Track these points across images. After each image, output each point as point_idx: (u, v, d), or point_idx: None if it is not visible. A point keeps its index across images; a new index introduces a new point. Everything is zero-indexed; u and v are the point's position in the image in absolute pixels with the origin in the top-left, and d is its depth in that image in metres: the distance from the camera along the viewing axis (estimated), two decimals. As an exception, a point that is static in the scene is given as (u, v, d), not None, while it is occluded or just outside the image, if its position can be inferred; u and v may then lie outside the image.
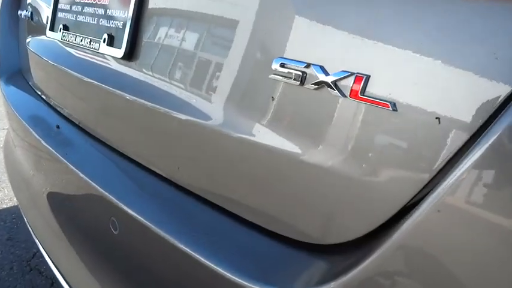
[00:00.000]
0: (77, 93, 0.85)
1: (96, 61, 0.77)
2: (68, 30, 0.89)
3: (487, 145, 0.28)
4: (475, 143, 0.30)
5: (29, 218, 1.12)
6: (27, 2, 1.26)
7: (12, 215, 2.18)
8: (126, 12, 0.68)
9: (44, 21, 1.05)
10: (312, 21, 0.43)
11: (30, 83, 1.17)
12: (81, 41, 0.82)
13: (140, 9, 0.66)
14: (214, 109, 0.53)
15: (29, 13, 1.16)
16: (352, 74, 0.38)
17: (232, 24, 0.51)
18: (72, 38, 0.86)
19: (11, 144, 1.30)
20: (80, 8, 0.85)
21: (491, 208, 0.29)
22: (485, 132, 0.29)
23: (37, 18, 1.12)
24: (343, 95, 0.39)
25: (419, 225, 0.31)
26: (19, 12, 1.30)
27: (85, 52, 0.81)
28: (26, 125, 0.89)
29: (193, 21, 0.57)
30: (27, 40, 1.21)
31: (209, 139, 0.54)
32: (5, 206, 2.23)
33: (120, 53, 0.68)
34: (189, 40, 0.57)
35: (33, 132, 0.89)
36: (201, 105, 0.55)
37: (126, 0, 0.69)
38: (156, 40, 0.64)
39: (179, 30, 0.59)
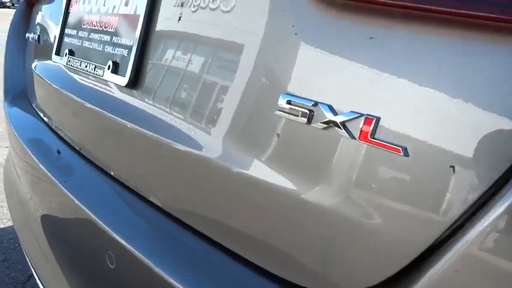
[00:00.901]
0: (79, 118, 0.84)
1: (99, 88, 0.77)
2: (73, 55, 0.89)
3: (508, 201, 0.26)
4: (494, 196, 0.28)
5: (23, 240, 1.09)
6: (34, 25, 1.27)
7: (10, 235, 2.15)
8: (132, 40, 0.68)
9: (50, 45, 1.06)
10: (322, 58, 0.42)
11: (33, 105, 1.16)
12: (86, 67, 0.81)
13: (146, 38, 0.65)
14: (215, 142, 0.52)
15: (36, 36, 1.16)
16: (361, 115, 0.37)
17: (238, 56, 0.50)
18: (77, 64, 0.85)
19: (10, 164, 1.29)
20: (86, 34, 0.85)
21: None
22: (506, 186, 0.27)
23: (44, 41, 1.13)
24: (352, 137, 0.37)
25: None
26: (27, 35, 1.31)
27: (89, 78, 0.81)
28: (26, 147, 0.88)
29: (199, 52, 0.56)
30: (33, 63, 1.22)
31: (210, 173, 0.52)
32: (3, 226, 2.20)
33: (124, 81, 0.67)
34: (194, 71, 0.56)
35: (32, 155, 0.87)
36: (202, 138, 0.54)
37: (132, 29, 0.68)
38: (160, 69, 0.63)
39: (184, 61, 0.58)
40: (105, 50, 0.76)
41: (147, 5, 0.65)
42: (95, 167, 0.76)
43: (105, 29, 0.78)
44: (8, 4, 28.72)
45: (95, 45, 0.80)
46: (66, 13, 0.95)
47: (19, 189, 1.00)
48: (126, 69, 0.67)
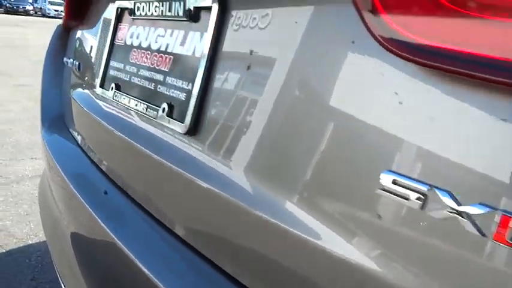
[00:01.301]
0: (127, 158, 0.80)
1: (151, 130, 0.73)
2: (120, 90, 0.86)
3: None
4: None
5: (62, 275, 1.06)
6: (74, 50, 1.25)
7: (38, 252, 2.14)
8: (191, 84, 0.64)
9: (93, 75, 1.03)
10: (440, 131, 0.36)
11: (72, 133, 1.14)
12: (136, 105, 0.78)
13: (207, 84, 0.61)
14: (292, 210, 0.47)
15: (77, 63, 1.14)
16: (496, 210, 0.31)
17: (327, 119, 0.45)
18: (125, 100, 0.82)
19: (47, 189, 1.26)
20: (135, 70, 0.82)
21: None
22: None
23: (84, 70, 1.10)
24: (483, 234, 0.32)
25: None
26: (65, 59, 1.29)
27: (140, 118, 0.78)
28: (71, 185, 0.85)
29: (277, 101, 0.51)
30: (72, 89, 1.20)
31: (284, 245, 0.48)
32: (30, 242, 2.20)
33: (182, 128, 0.63)
34: (271, 122, 0.51)
35: (77, 194, 0.84)
36: (277, 205, 0.49)
37: (191, 71, 0.65)
38: (224, 119, 0.59)
39: (255, 109, 0.54)
40: (158, 90, 0.73)
41: (210, 48, 0.61)
42: (147, 213, 0.72)
43: (157, 67, 0.75)
44: (31, 12, 29.46)
45: (146, 83, 0.77)
46: (112, 44, 0.93)
47: (59, 225, 0.97)
48: (184, 115, 0.64)
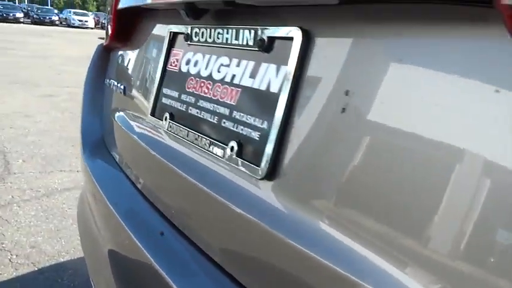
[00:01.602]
0: (185, 196, 0.74)
1: (215, 168, 0.67)
2: (176, 121, 0.80)
3: None
4: None
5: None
6: (116, 72, 1.21)
7: (69, 271, 2.10)
8: (268, 123, 0.57)
9: (142, 101, 0.98)
10: None
11: (118, 161, 1.09)
12: (196, 140, 0.72)
13: (289, 122, 0.55)
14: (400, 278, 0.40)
15: (122, 87, 1.10)
16: None
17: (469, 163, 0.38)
18: (183, 133, 0.76)
19: (87, 211, 1.22)
20: (193, 100, 0.76)
21: None
22: None
23: (131, 94, 1.05)
24: None
25: None
26: (107, 80, 1.25)
27: (200, 154, 0.71)
28: (123, 223, 0.79)
29: (383, 151, 0.44)
30: (115, 113, 1.15)
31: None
32: (62, 260, 2.17)
33: (257, 172, 0.57)
34: (373, 173, 0.44)
35: (130, 233, 0.78)
36: (381, 272, 0.42)
37: (267, 108, 0.58)
38: (309, 162, 0.52)
39: (349, 156, 0.47)
40: (223, 125, 0.67)
41: (292, 84, 0.54)
42: (208, 259, 0.66)
43: (221, 99, 0.68)
44: (56, 22, 30.27)
45: (207, 116, 0.71)
46: (164, 70, 0.87)
47: (104, 259, 0.91)
48: (260, 157, 0.57)
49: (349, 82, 0.48)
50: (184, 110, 0.78)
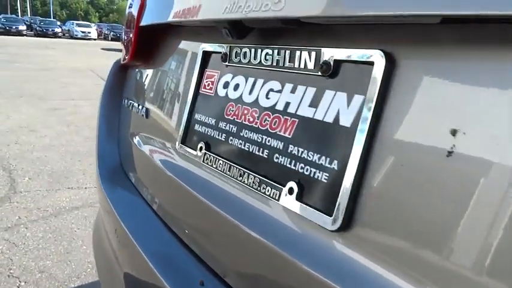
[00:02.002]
0: (228, 241, 0.64)
1: (269, 212, 0.57)
2: (213, 152, 0.71)
3: None
4: None
5: None
6: (135, 92, 1.12)
7: (81, 298, 2.01)
8: (340, 163, 0.48)
9: (168, 126, 0.89)
10: None
11: (139, 190, 1.00)
12: (241, 176, 0.63)
13: (368, 163, 0.45)
14: None
15: (144, 109, 1.01)
16: None
17: None
18: (224, 167, 0.67)
19: (105, 243, 1.12)
20: (235, 129, 0.67)
21: None
22: None
23: (155, 118, 0.96)
24: None
25: None
26: (125, 101, 1.16)
27: (247, 193, 0.62)
28: (156, 271, 0.69)
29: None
30: (136, 137, 1.06)
31: None
32: (73, 286, 2.06)
33: (329, 221, 0.47)
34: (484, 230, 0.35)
35: (160, 276, 0.69)
36: None
37: (337, 145, 0.49)
38: (396, 212, 0.42)
39: (454, 206, 0.37)
40: (277, 161, 0.57)
41: (372, 117, 0.45)
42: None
43: (272, 131, 0.59)
44: (59, 34, 30.48)
45: (255, 149, 0.62)
46: (196, 94, 0.78)
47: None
48: (332, 204, 0.47)
49: (456, 118, 0.39)
50: (223, 140, 0.69)
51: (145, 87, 1.05)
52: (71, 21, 34.03)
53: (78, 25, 31.83)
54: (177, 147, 0.80)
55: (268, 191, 0.57)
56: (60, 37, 30.34)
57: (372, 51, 0.46)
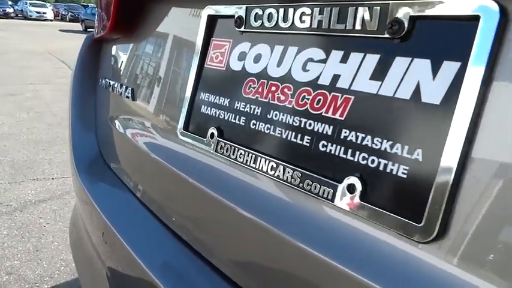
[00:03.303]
0: (260, 249, 0.52)
1: (320, 216, 0.45)
2: (228, 139, 0.57)
3: None
4: None
5: None
6: (115, 69, 0.96)
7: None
8: (429, 153, 0.36)
9: (164, 109, 0.74)
10: None
11: (126, 184, 0.85)
12: (273, 169, 0.50)
13: (472, 149, 0.34)
14: None
15: (128, 90, 0.85)
16: None
17: None
18: (247, 158, 0.54)
19: (86, 243, 0.99)
20: (259, 110, 0.53)
21: None
22: None
23: (145, 99, 0.81)
24: None
25: None
26: (103, 81, 1.00)
27: (284, 191, 0.49)
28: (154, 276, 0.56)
29: None
30: (121, 123, 0.91)
31: None
32: (46, 287, 1.89)
33: (417, 230, 0.36)
34: None
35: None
36: None
37: (425, 126, 0.37)
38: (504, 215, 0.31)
39: None
40: (324, 150, 0.45)
41: (480, 93, 0.33)
42: None
43: (315, 112, 0.47)
44: (12, 15, 28.72)
45: (290, 135, 0.49)
46: (201, 68, 0.64)
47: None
48: (420, 208, 0.36)
49: None
50: (242, 124, 0.56)
51: (130, 64, 0.89)
52: (24, 1, 31.98)
53: (32, 5, 29.94)
54: (178, 134, 0.66)
55: (315, 188, 0.45)
56: (12, 18, 28.50)
57: (478, 1, 0.34)
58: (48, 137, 3.94)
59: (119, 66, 0.94)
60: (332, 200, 0.43)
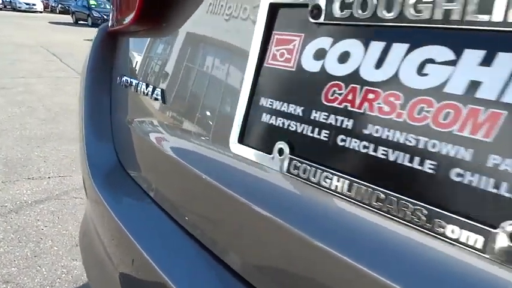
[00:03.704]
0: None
1: (465, 274, 0.34)
2: (304, 158, 0.46)
3: None
4: None
5: None
6: (135, 67, 0.85)
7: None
8: None
9: (209, 116, 0.63)
10: None
11: (151, 196, 0.74)
12: (382, 201, 0.39)
13: None
14: None
15: (157, 91, 0.73)
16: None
17: None
18: (337, 184, 0.43)
19: (101, 253, 0.88)
20: (350, 123, 0.43)
21: None
22: None
23: (181, 102, 0.70)
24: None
25: None
26: (123, 78, 0.88)
27: (401, 231, 0.39)
28: None
29: None
30: (147, 128, 0.79)
31: None
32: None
33: None
34: None
35: None
36: None
37: None
38: None
39: None
40: (461, 181, 0.34)
41: None
42: None
43: (441, 129, 0.36)
44: (0, 6, 28.15)
45: (403, 159, 0.38)
46: (259, 67, 0.53)
47: None
48: None
49: None
50: (325, 139, 0.45)
51: (157, 61, 0.77)
52: (13, -8, 31.26)
53: (21, -4, 29.30)
54: (231, 148, 0.55)
55: (453, 233, 0.34)
56: (0, 9, 27.92)
57: None
58: (43, 133, 3.80)
59: (143, 64, 0.82)
60: (484, 250, 0.32)
